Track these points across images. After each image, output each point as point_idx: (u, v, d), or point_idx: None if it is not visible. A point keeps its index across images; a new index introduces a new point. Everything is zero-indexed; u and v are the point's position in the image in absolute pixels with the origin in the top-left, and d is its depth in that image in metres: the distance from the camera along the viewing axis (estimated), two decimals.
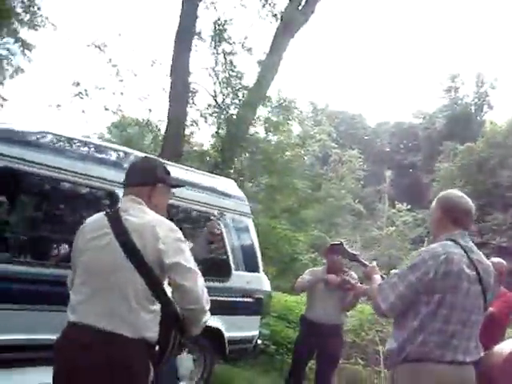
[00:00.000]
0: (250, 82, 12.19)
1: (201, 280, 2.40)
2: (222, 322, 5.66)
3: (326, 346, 5.14)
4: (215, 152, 12.15)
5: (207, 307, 2.43)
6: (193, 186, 5.54)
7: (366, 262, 3.38)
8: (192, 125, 12.16)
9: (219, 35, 11.41)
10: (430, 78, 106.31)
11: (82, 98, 12.10)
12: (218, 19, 11.46)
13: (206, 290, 2.42)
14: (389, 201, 49.37)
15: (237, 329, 5.89)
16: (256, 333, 6.27)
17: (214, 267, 5.74)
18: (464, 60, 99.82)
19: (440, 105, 60.07)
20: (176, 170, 5.57)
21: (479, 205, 40.19)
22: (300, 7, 12.78)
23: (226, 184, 6.33)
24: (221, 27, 11.46)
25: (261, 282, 6.26)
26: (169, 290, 2.40)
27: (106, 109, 12.56)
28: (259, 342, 6.55)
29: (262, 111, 12.27)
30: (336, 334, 5.26)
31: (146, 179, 2.57)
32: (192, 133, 12.09)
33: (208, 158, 11.88)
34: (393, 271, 2.92)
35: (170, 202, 5.28)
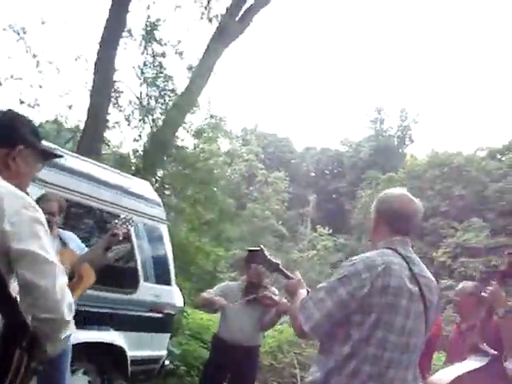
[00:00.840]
0: (179, 86, 11.62)
1: (62, 279, 1.70)
2: (124, 338, 5.01)
3: (240, 371, 4.55)
4: (136, 157, 11.41)
5: (69, 316, 1.68)
6: (98, 182, 4.91)
7: (288, 273, 2.86)
8: (114, 127, 11.40)
9: (150, 34, 10.78)
10: (358, 108, 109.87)
11: None
12: (149, 17, 10.85)
13: (68, 293, 1.71)
14: (311, 224, 49.95)
15: (142, 347, 5.24)
16: (164, 352, 5.63)
17: (119, 276, 5.11)
18: (390, 93, 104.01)
19: (366, 135, 62.05)
20: (79, 163, 4.94)
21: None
22: (237, 18, 12.41)
23: (140, 185, 5.71)
24: (152, 26, 10.84)
25: (172, 296, 5.65)
26: (15, 291, 1.72)
27: (22, 102, 11.58)
28: (167, 362, 5.91)
29: (190, 118, 11.69)
30: (252, 357, 4.68)
31: (2, 138, 1.88)
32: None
33: (130, 163, 11.10)
34: (319, 285, 2.38)
35: (69, 196, 4.73)
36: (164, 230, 5.70)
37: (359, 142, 61.52)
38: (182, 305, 6.05)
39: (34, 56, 11.49)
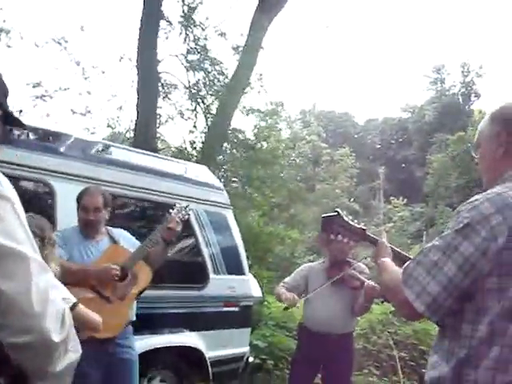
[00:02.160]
0: (228, 69, 11.08)
1: (43, 279, 1.09)
2: (200, 339, 4.55)
3: (333, 363, 3.95)
4: (194, 149, 11.00)
5: (60, 335, 1.07)
6: (147, 171, 4.43)
7: (376, 238, 2.23)
8: (167, 121, 11.04)
9: (188, 19, 10.28)
10: (415, 71, 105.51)
11: (44, 100, 10.98)
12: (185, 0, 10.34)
13: (56, 299, 1.11)
14: (384, 197, 48.47)
15: (221, 346, 4.76)
16: (246, 348, 5.13)
17: (185, 272, 4.64)
18: (448, 50, 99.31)
19: (428, 97, 59.64)
20: (125, 153, 4.49)
21: (477, 193, 39.49)
22: None
23: (196, 170, 5.20)
24: (190, 9, 10.34)
25: (248, 286, 5.12)
26: None
27: (74, 112, 11.47)
28: (252, 358, 5.41)
29: (245, 100, 11.11)
30: (346, 346, 4.07)
31: None
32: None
33: (189, 155, 10.70)
34: (428, 244, 1.65)
35: (114, 191, 4.30)
36: (229, 215, 5.17)
37: (422, 106, 59.23)
38: (260, 295, 5.52)
39: (78, 64, 11.33)
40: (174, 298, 4.35)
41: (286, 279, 4.22)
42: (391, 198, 46.22)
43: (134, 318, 3.41)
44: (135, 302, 3.39)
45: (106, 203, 3.36)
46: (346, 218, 2.30)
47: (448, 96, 58.43)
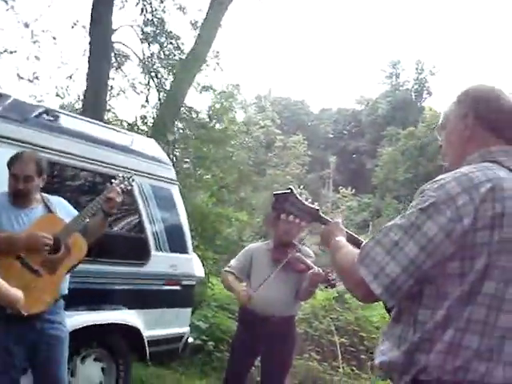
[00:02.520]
0: (185, 45, 10.80)
1: None
2: (139, 317, 4.38)
3: (274, 345, 3.86)
4: (145, 124, 10.70)
5: None
6: (89, 139, 4.19)
7: (329, 219, 2.12)
8: (119, 94, 10.68)
9: None
10: (372, 64, 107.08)
11: None
12: None
13: None
14: (333, 186, 49.06)
15: (160, 325, 4.61)
16: (186, 329, 4.99)
17: (126, 247, 4.45)
18: (405, 46, 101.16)
19: (382, 91, 60.56)
20: (67, 119, 4.25)
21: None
22: None
23: (144, 143, 4.99)
24: None
25: (191, 265, 4.98)
26: None
27: (20, 77, 10.94)
28: (191, 339, 5.28)
29: (200, 77, 10.86)
30: (287, 329, 3.99)
31: None
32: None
33: (139, 131, 10.39)
34: (388, 223, 1.53)
35: (55, 159, 4.07)
36: (175, 191, 5.00)
37: (376, 99, 60.12)
38: (202, 275, 5.39)
39: (27, 25, 10.80)
40: (112, 273, 4.16)
41: (232, 262, 4.10)
42: (340, 187, 46.84)
43: (66, 292, 3.21)
44: (68, 275, 3.19)
45: (41, 171, 3.11)
46: (299, 197, 2.16)
47: (402, 91, 59.51)
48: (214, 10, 10.62)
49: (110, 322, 4.11)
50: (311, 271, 3.68)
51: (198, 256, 5.67)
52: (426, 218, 1.43)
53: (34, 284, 2.92)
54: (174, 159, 9.59)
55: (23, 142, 3.66)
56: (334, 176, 51.30)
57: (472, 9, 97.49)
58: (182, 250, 4.90)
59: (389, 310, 1.70)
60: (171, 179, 4.99)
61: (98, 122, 4.80)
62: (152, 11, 10.25)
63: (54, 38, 10.95)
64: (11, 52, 10.80)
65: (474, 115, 1.62)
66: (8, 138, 3.61)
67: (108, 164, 4.25)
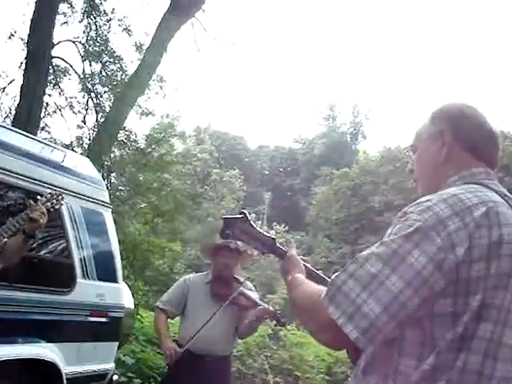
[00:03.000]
0: (128, 67, 10.50)
1: None
2: (58, 351, 3.93)
3: None
4: (81, 146, 10.22)
5: None
6: (19, 153, 3.80)
7: (286, 250, 1.87)
8: (55, 112, 10.18)
9: (94, 6, 9.59)
10: (310, 105, 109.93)
11: None
12: None
13: None
14: (267, 222, 49.23)
15: (82, 361, 4.17)
16: (111, 365, 4.55)
17: (48, 272, 4.04)
18: (342, 89, 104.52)
19: (319, 132, 62.43)
20: None
21: (354, 228, 41.55)
22: None
23: (77, 160, 4.63)
24: None
25: (119, 295, 4.58)
26: None
27: None
28: (116, 376, 4.85)
29: (143, 103, 10.57)
30: (223, 371, 3.65)
31: None
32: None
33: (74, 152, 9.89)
34: (363, 253, 1.26)
35: None
36: (107, 215, 4.63)
37: (312, 139, 61.65)
38: (132, 306, 4.99)
39: None
40: (29, 301, 3.71)
41: (165, 296, 3.78)
42: (274, 223, 47.06)
43: None
44: None
45: None
46: (253, 224, 1.87)
47: (338, 133, 61.31)
48: (161, 35, 10.43)
49: (22, 357, 3.65)
50: (260, 307, 3.41)
51: (129, 287, 5.28)
52: (412, 247, 1.18)
53: None
54: (109, 184, 9.16)
55: None
56: (269, 212, 51.57)
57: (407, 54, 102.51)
58: (111, 278, 4.51)
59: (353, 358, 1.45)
60: (104, 202, 4.63)
61: (23, 132, 4.38)
62: (96, 29, 9.90)
63: None
64: None
65: (453, 133, 1.41)
66: None
67: (33, 180, 3.85)
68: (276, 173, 62.02)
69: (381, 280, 1.17)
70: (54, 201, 3.00)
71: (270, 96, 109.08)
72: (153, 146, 11.26)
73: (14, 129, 4.35)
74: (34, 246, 3.79)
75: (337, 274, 1.27)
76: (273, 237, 1.88)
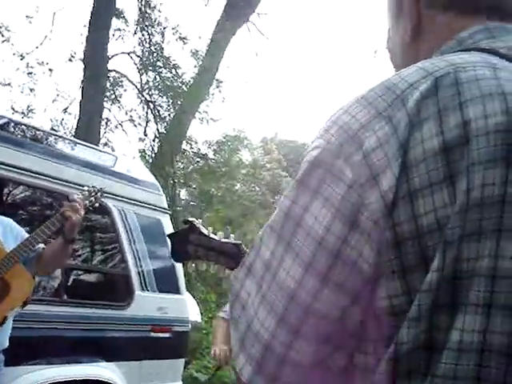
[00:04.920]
0: (186, 76, 10.33)
1: None
2: (118, 371, 3.60)
3: None
4: (143, 158, 10.10)
5: None
6: (69, 159, 3.54)
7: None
8: (117, 127, 10.15)
9: (145, 14, 9.48)
10: None
11: None
12: None
13: None
14: None
15: (145, 381, 3.84)
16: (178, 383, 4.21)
17: (103, 285, 3.74)
18: None
19: None
20: (36, 133, 3.61)
21: None
22: None
23: (129, 164, 4.33)
24: (148, 7, 9.56)
25: (183, 308, 4.23)
26: None
27: (15, 110, 10.47)
28: None
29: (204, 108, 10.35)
30: None
31: None
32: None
33: None
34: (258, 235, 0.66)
35: (20, 178, 3.40)
36: (166, 221, 4.30)
37: None
38: (198, 319, 4.63)
39: (22, 57, 10.38)
40: (85, 317, 3.41)
41: (228, 306, 3.36)
42: None
43: (6, 345, 2.45)
44: (10, 322, 2.43)
45: None
46: (204, 230, 1.41)
47: None
48: (217, 40, 10.20)
49: (79, 378, 3.35)
50: None
51: (199, 299, 4.93)
52: (310, 197, 0.60)
53: None
54: (173, 193, 8.95)
55: None
56: None
57: None
58: (173, 289, 4.16)
59: None
60: (161, 207, 4.30)
61: (72, 138, 4.14)
62: (150, 39, 9.78)
63: (51, 70, 10.50)
64: (5, 84, 10.35)
65: None
66: None
67: (80, 185, 3.56)
68: None
69: (273, 270, 0.62)
70: (93, 198, 2.66)
71: (334, 99, 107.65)
72: (220, 156, 11.03)
73: (71, 139, 4.13)
74: (85, 257, 3.51)
75: (237, 268, 0.73)
76: (236, 242, 1.41)
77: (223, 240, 1.40)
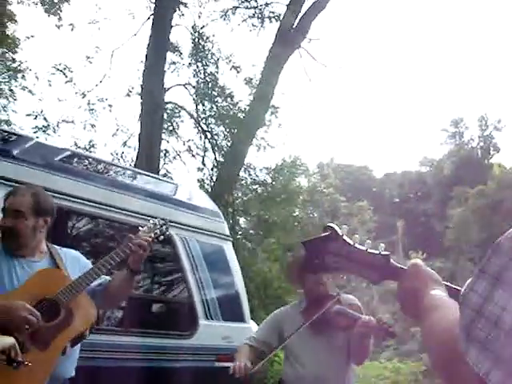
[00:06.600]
0: (241, 101, 10.42)
1: None
2: None
3: None
4: (203, 187, 10.19)
5: None
6: (130, 189, 3.56)
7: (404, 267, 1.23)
8: (175, 158, 10.31)
9: (199, 49, 9.68)
10: (433, 124, 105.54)
11: (47, 133, 10.39)
12: (195, 25, 9.76)
13: None
14: (403, 252, 47.29)
15: None
16: None
17: (167, 315, 3.70)
18: (465, 104, 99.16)
19: (446, 151, 59.74)
20: (96, 164, 3.65)
21: None
22: (294, 25, 11.14)
23: (190, 192, 4.33)
24: (202, 39, 9.75)
25: (248, 336, 4.13)
26: None
27: (77, 146, 10.83)
28: None
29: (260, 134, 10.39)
30: None
31: None
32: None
33: None
34: None
35: (83, 208, 3.44)
36: (228, 248, 4.25)
37: (440, 160, 59.12)
38: None
39: (84, 95, 10.78)
40: (149, 347, 3.38)
41: (255, 332, 3.24)
42: (410, 252, 45.05)
43: (72, 374, 2.42)
44: (73, 350, 2.40)
45: (39, 209, 2.40)
46: (349, 240, 1.25)
47: (466, 150, 58.23)
48: (270, 67, 10.25)
49: None
50: (359, 322, 2.75)
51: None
52: None
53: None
54: (233, 222, 8.95)
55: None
56: (403, 240, 49.62)
57: None
58: (238, 318, 4.09)
59: None
60: (223, 234, 4.26)
61: (133, 168, 4.19)
62: (205, 70, 9.96)
63: (110, 106, 10.86)
64: (69, 122, 10.77)
65: None
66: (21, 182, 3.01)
67: (145, 215, 3.56)
68: (406, 199, 59.95)
69: None
70: (158, 231, 2.64)
71: (391, 120, 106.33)
72: (278, 183, 11.00)
73: (132, 168, 4.18)
74: (149, 286, 3.49)
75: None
76: (385, 253, 1.26)
77: (370, 250, 1.27)
